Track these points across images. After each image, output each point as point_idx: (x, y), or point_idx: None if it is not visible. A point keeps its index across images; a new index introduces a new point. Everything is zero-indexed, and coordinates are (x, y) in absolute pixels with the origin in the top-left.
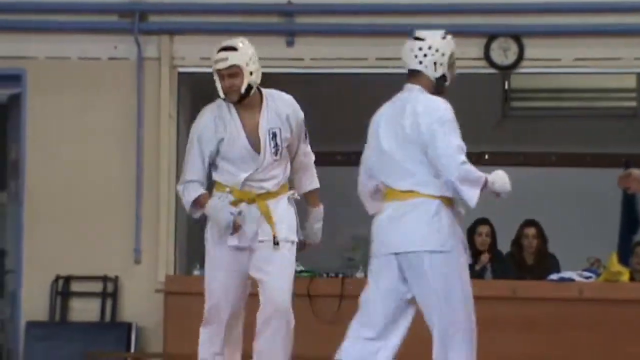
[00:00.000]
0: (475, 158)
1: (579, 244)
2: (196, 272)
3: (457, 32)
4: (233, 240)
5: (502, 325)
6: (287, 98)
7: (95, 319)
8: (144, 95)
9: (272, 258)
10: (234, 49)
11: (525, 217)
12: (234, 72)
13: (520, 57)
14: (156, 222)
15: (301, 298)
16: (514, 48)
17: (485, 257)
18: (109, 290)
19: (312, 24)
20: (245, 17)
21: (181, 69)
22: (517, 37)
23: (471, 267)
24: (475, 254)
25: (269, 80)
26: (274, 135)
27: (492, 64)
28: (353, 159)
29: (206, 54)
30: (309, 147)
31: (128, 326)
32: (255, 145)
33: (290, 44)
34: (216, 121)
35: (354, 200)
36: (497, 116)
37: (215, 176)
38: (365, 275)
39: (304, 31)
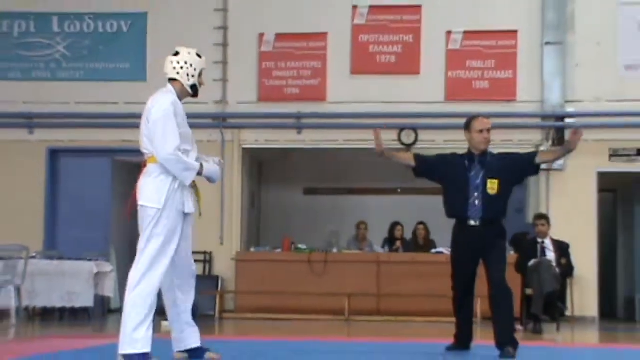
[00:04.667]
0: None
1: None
2: (252, 249)
3: (388, 127)
4: (189, 207)
5: (410, 275)
6: None
7: (200, 274)
8: (226, 159)
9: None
10: None
11: (417, 220)
12: None
13: (416, 139)
14: (230, 223)
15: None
16: (412, 135)
17: (398, 243)
18: (207, 259)
19: (313, 123)
20: (275, 119)
21: (244, 146)
22: (415, 129)
23: (391, 248)
24: (395, 240)
25: (283, 153)
26: None
27: (402, 144)
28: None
29: (258, 138)
30: None
31: (217, 278)
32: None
33: (299, 132)
34: (175, 104)
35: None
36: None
37: None
38: (337, 251)
39: (308, 126)
